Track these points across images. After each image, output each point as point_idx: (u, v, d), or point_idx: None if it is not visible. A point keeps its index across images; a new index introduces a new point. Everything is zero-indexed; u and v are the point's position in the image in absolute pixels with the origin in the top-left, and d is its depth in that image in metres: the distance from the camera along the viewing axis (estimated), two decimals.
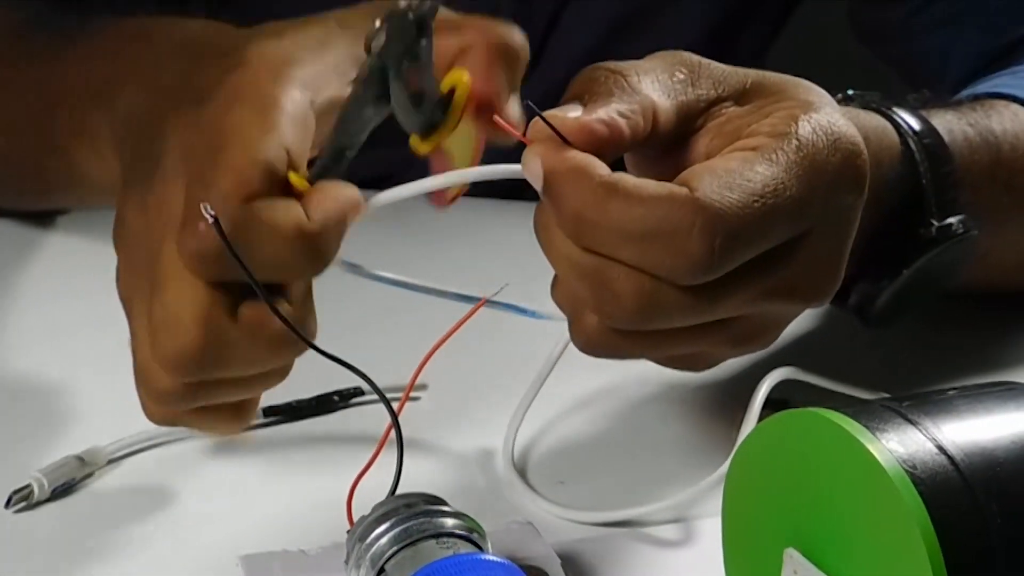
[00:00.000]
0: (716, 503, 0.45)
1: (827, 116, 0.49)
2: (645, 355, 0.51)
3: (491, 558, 0.41)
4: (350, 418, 0.59)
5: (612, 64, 0.50)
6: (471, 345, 0.53)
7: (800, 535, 0.41)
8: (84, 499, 0.54)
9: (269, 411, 0.59)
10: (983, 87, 0.73)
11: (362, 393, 0.59)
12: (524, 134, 0.48)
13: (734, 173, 0.47)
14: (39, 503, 0.53)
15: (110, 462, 0.56)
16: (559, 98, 0.98)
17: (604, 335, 0.48)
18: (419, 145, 0.48)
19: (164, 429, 0.57)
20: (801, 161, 0.48)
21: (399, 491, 0.45)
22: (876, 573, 0.39)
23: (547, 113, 0.47)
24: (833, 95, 0.62)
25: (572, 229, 0.46)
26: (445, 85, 0.48)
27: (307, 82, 0.49)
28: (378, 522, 0.43)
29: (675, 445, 0.58)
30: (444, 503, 0.44)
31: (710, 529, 0.49)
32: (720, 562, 0.46)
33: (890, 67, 0.93)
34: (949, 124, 0.64)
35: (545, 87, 0.97)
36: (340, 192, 0.47)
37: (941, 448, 0.39)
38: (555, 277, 0.50)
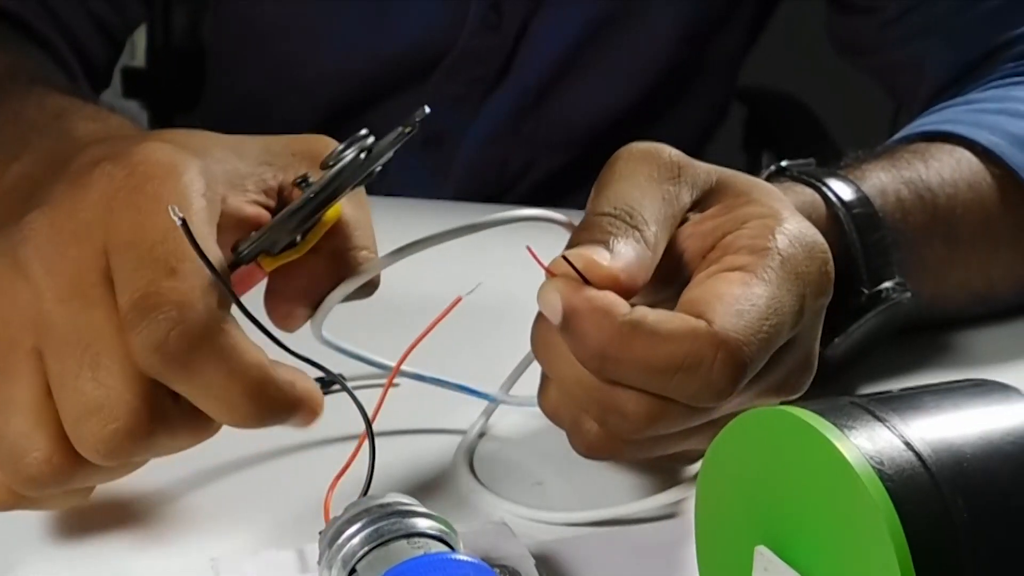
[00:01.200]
0: (690, 502, 0.46)
1: (796, 226, 0.52)
2: (643, 456, 0.53)
3: (461, 557, 0.41)
4: (328, 409, 0.59)
5: (630, 214, 0.50)
6: (448, 342, 0.54)
7: (770, 532, 0.42)
8: None
9: None
10: (932, 121, 0.74)
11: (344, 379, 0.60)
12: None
13: (740, 299, 0.48)
14: None
15: None
16: (529, 105, 0.99)
17: (606, 442, 0.50)
18: (265, 262, 0.48)
19: None
20: (788, 275, 0.50)
21: (372, 492, 0.45)
22: (845, 569, 0.39)
23: (575, 252, 0.48)
24: (802, 125, 0.64)
25: (595, 364, 0.48)
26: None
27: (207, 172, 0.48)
28: (350, 523, 0.43)
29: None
30: (417, 504, 0.44)
31: (684, 528, 0.49)
32: (694, 560, 0.46)
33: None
34: (883, 186, 0.66)
35: (515, 94, 0.99)
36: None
37: (909, 445, 0.39)
38: (545, 387, 0.52)
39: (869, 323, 0.63)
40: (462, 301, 0.49)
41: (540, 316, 0.50)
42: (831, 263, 0.52)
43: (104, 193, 0.45)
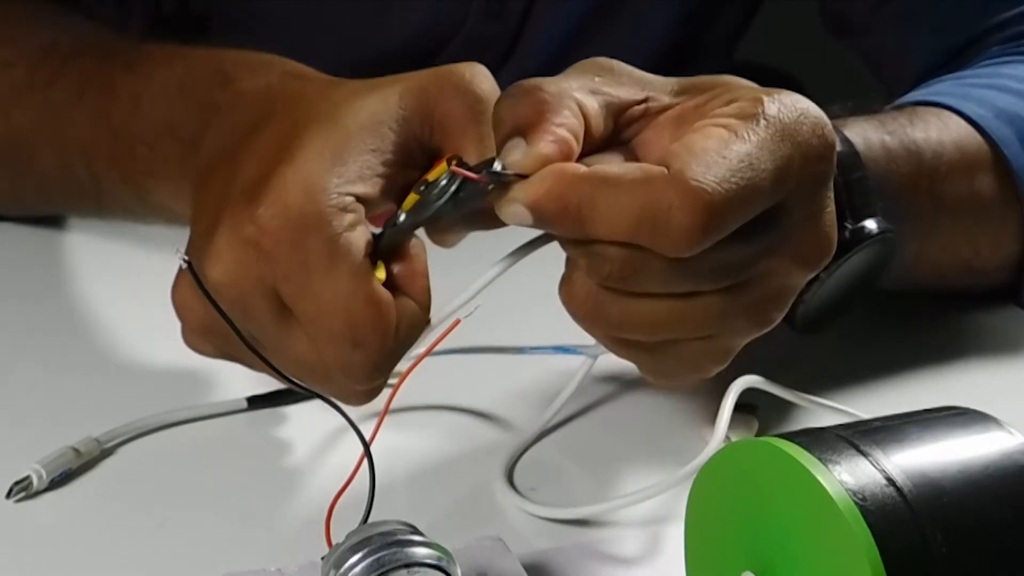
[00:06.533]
0: (680, 508, 0.47)
1: (790, 96, 0.51)
2: (658, 370, 0.53)
3: None
4: (329, 429, 0.60)
5: (526, 82, 0.52)
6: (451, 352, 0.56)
7: (757, 559, 0.43)
8: (79, 489, 0.56)
9: (253, 400, 0.61)
10: (920, 94, 0.75)
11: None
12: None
13: (710, 151, 0.48)
14: (37, 493, 0.55)
15: (104, 452, 0.58)
16: None
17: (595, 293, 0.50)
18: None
19: (152, 420, 0.60)
20: (772, 136, 0.50)
21: (373, 516, 0.47)
22: None
23: (507, 162, 0.50)
24: None
25: (576, 229, 0.48)
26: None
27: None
28: (352, 551, 0.44)
29: (647, 452, 0.60)
30: (416, 531, 0.45)
31: (674, 543, 0.51)
32: (683, 573, 0.47)
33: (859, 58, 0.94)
34: (865, 133, 0.66)
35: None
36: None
37: (890, 480, 0.41)
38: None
39: (854, 260, 0.62)
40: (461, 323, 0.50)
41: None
42: (829, 127, 0.51)
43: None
